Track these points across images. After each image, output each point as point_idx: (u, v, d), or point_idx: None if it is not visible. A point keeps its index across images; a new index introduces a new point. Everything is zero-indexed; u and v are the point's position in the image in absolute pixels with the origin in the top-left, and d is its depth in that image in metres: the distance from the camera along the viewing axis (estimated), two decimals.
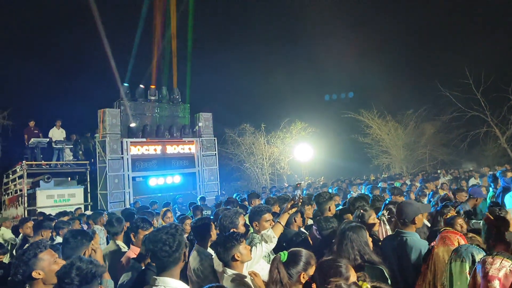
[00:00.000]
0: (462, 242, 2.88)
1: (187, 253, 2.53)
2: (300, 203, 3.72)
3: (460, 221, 3.89)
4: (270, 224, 3.86)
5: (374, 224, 4.08)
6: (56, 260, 2.68)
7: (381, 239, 3.94)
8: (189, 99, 17.05)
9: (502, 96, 21.29)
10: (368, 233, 3.25)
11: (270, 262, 3.78)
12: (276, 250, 3.82)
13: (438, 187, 9.72)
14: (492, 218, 2.86)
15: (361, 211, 4.13)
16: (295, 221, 4.54)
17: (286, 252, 2.51)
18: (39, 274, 2.55)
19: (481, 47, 23.66)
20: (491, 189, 7.67)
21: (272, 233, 3.57)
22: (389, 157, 24.76)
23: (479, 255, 2.50)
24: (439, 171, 17.19)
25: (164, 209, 7.80)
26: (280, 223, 3.61)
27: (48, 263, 2.62)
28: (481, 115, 22.12)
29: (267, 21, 31.48)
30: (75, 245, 3.35)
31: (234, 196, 9.60)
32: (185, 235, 2.65)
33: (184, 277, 3.86)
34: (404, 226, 3.56)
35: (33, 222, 6.02)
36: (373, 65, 26.32)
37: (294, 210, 3.63)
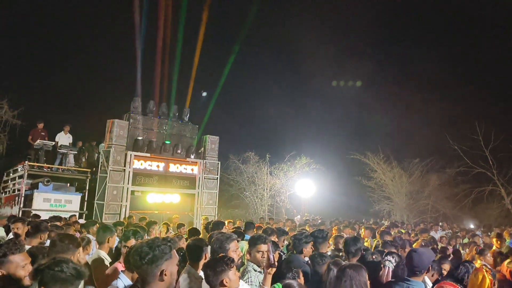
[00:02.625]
0: None
1: (170, 272, 2.31)
2: (275, 262, 3.56)
3: None
4: (262, 257, 3.80)
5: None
6: (25, 266, 2.60)
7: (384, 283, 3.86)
8: (197, 121, 17.17)
9: (510, 156, 21.22)
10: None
11: None
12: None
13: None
14: None
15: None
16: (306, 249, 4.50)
17: (280, 284, 2.44)
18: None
19: (494, 104, 23.84)
20: None
21: None
22: (391, 203, 24.51)
23: None
24: (440, 223, 16.92)
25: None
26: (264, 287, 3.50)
27: (15, 266, 2.54)
28: (488, 172, 21.99)
29: (284, 54, 31.99)
30: (61, 249, 3.27)
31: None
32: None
33: None
34: (413, 275, 3.46)
35: (21, 223, 5.87)
36: (383, 109, 26.55)
37: (273, 270, 3.49)
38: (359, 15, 31.21)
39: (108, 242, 4.58)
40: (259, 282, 3.75)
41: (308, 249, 4.54)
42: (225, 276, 2.91)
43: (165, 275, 2.22)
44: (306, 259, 4.45)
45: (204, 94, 23.39)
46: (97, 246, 6.47)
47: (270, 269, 3.45)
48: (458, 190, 22.95)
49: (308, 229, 8.86)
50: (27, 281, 2.57)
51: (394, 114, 26.04)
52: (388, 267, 4.09)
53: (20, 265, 2.58)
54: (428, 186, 24.11)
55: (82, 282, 2.26)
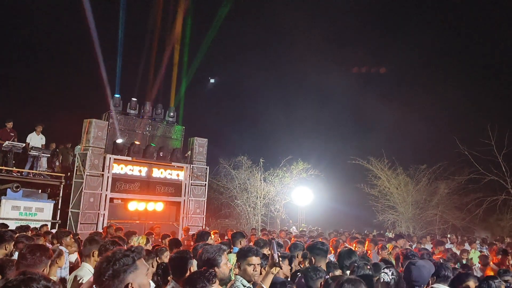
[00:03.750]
0: None
1: (138, 285, 2.24)
2: (280, 262, 3.70)
3: None
4: (254, 270, 3.76)
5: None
6: None
7: None
8: (184, 121, 17.15)
9: None
10: None
11: None
12: None
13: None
14: None
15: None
16: (281, 268, 4.43)
17: None
18: None
19: (507, 108, 24.03)
20: None
21: None
22: (395, 213, 24.54)
23: None
24: (448, 236, 16.97)
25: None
26: (263, 286, 3.56)
27: None
28: (501, 180, 22.10)
29: (280, 53, 32.14)
30: (33, 262, 3.22)
31: None
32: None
33: None
34: None
35: None
36: (388, 111, 26.66)
37: (277, 269, 3.62)
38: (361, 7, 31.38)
39: (93, 256, 4.53)
40: None
41: (285, 269, 4.55)
42: None
43: None
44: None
45: (212, 81, 23.37)
46: (80, 259, 6.43)
47: (274, 268, 3.59)
48: (468, 199, 23.01)
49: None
50: None
51: (399, 116, 26.14)
52: (383, 279, 4.11)
53: None
54: (436, 194, 24.14)
55: None
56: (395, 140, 25.98)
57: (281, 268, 4.06)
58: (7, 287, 2.03)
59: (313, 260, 4.81)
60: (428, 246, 11.25)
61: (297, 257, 5.23)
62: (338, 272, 4.59)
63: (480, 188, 22.36)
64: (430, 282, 3.83)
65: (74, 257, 6.88)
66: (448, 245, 11.81)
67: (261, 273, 4.02)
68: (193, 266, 3.88)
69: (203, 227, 15.74)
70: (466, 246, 12.06)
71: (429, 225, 23.96)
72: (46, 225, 9.88)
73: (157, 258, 4.91)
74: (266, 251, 5.44)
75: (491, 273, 6.13)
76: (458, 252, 9.93)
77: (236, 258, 4.07)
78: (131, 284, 2.18)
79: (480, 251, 10.66)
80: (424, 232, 21.69)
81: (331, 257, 6.80)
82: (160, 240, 8.78)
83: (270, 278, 3.60)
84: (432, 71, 29.44)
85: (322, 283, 3.80)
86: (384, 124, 27.02)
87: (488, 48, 28.82)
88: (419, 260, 4.12)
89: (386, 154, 24.10)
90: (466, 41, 30.56)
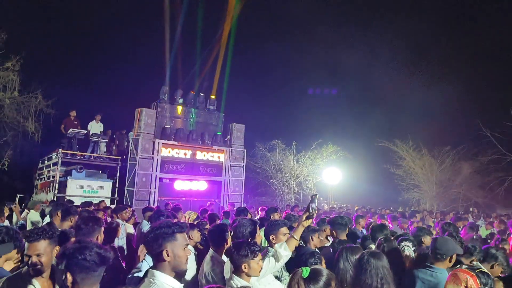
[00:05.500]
0: (471, 282, 2.82)
1: (173, 253, 2.37)
2: (315, 215, 3.55)
3: None
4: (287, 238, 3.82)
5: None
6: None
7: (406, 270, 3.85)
8: (224, 109, 17.31)
9: None
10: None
11: (282, 277, 3.79)
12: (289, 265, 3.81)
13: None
14: None
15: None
16: (312, 240, 4.47)
17: (308, 268, 2.46)
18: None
19: None
20: None
21: (284, 250, 3.44)
22: (420, 192, 24.01)
23: None
24: (471, 209, 16.48)
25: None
26: (294, 237, 3.47)
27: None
28: None
29: (317, 42, 31.45)
30: (87, 231, 3.44)
31: None
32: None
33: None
34: (437, 261, 3.50)
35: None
36: (413, 96, 25.83)
37: (309, 221, 3.47)
38: None
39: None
40: (281, 268, 3.79)
41: (315, 240, 4.50)
42: (246, 263, 2.98)
43: (168, 255, 2.33)
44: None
45: None
46: (127, 230, 6.72)
47: (306, 221, 3.42)
48: (490, 178, 22.21)
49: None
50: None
51: (424, 100, 25.26)
52: (409, 253, 4.07)
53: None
54: (460, 174, 23.43)
55: None
56: (420, 123, 25.18)
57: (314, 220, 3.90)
58: (65, 254, 2.21)
59: (335, 233, 4.85)
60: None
61: (324, 231, 5.27)
62: (373, 245, 4.45)
63: (502, 168, 21.54)
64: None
65: (131, 228, 7.16)
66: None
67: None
68: (229, 236, 4.00)
69: (242, 204, 15.98)
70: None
71: (452, 203, 23.34)
72: (104, 201, 10.28)
73: (199, 230, 5.06)
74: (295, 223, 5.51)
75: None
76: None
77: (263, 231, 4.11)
78: (167, 250, 2.34)
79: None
80: (448, 209, 21.12)
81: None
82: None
83: (301, 229, 3.47)
84: (456, 52, 28.03)
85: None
86: (409, 109, 26.18)
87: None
88: (445, 236, 4.10)
89: (411, 136, 23.53)
90: (492, 18, 28.88)
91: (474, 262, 4.06)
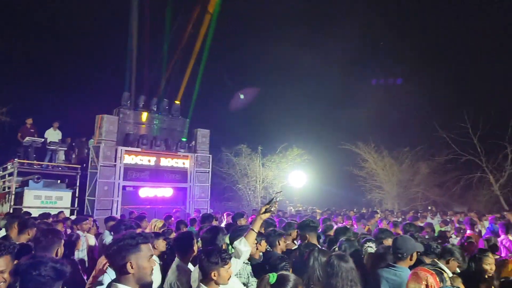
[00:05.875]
0: (431, 280, 2.90)
1: (137, 265, 2.30)
2: (275, 208, 3.56)
3: None
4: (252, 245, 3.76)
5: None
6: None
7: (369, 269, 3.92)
8: (189, 114, 17.10)
9: (498, 144, 21.44)
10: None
11: (249, 283, 3.75)
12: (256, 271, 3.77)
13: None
14: None
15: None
16: (279, 244, 4.45)
17: (275, 274, 2.45)
18: None
19: (481, 93, 23.98)
20: None
21: (244, 246, 3.38)
22: (382, 192, 24.70)
23: None
24: (429, 207, 17.12)
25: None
26: (253, 230, 3.43)
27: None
28: (476, 160, 22.22)
29: (278, 45, 31.71)
30: (46, 243, 3.29)
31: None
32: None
33: None
34: (399, 260, 3.58)
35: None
36: (372, 99, 26.59)
37: (267, 215, 3.47)
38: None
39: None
40: (248, 274, 3.76)
41: (282, 245, 4.49)
42: (215, 270, 2.92)
43: (132, 267, 2.25)
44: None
45: (242, 97, 23.64)
46: (88, 242, 6.48)
47: (264, 214, 3.43)
48: (447, 177, 23.18)
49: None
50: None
51: (383, 103, 26.08)
52: (368, 251, 4.17)
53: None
54: (418, 174, 24.33)
55: None
56: (380, 126, 25.98)
57: (273, 214, 3.87)
58: (18, 271, 2.09)
59: (308, 237, 4.84)
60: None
61: (291, 235, 5.26)
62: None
63: (458, 167, 22.57)
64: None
65: (92, 239, 6.91)
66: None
67: (257, 249, 4.06)
68: (195, 244, 3.93)
69: (208, 210, 15.82)
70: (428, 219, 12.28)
71: (412, 202, 24.13)
72: (63, 211, 9.90)
73: (164, 238, 4.94)
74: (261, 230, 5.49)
75: None
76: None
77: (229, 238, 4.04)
78: (131, 262, 2.25)
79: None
80: (408, 208, 21.83)
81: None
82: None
83: (259, 222, 3.46)
84: (412, 58, 29.09)
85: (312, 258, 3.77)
86: (370, 112, 26.90)
87: (465, 34, 28.41)
88: (405, 235, 4.20)
89: (372, 138, 24.20)
90: (447, 23, 30.15)
91: (436, 260, 4.19)
